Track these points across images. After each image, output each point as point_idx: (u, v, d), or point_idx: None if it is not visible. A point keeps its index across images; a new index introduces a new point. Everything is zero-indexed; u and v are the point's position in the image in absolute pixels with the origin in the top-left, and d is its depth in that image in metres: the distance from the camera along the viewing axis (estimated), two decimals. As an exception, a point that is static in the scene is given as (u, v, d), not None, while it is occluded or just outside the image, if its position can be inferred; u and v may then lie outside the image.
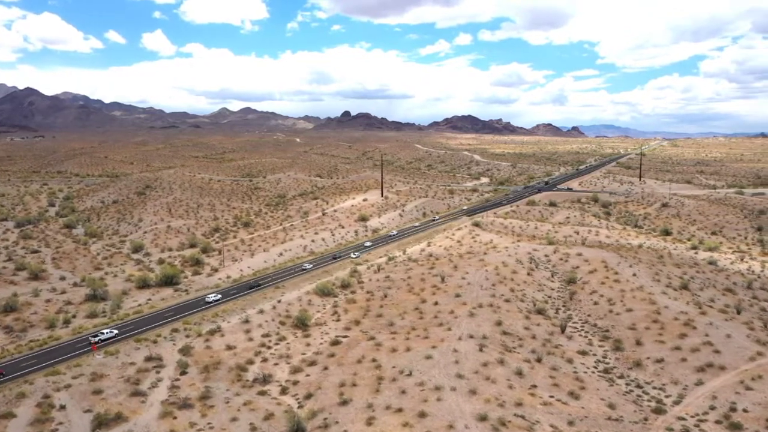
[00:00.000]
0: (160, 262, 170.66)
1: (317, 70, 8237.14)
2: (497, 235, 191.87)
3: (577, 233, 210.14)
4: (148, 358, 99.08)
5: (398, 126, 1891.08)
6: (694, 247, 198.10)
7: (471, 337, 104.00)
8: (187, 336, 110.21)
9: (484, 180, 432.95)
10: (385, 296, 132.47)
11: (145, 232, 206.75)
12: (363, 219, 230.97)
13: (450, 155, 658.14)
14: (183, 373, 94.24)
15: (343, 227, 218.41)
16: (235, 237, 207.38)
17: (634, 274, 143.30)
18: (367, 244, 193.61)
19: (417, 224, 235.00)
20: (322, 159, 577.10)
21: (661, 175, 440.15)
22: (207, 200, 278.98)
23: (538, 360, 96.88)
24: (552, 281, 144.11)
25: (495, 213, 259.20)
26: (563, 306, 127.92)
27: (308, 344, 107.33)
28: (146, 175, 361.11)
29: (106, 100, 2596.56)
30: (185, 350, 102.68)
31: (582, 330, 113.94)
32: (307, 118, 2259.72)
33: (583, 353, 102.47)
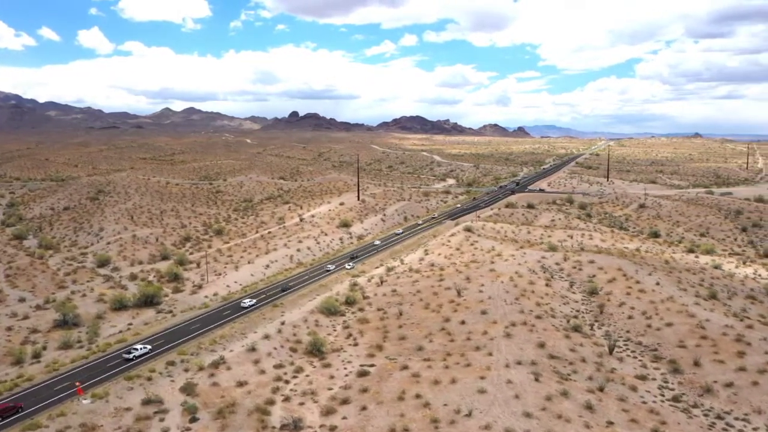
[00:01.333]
0: (133, 277, 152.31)
1: (262, 69, 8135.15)
2: (496, 242, 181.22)
3: (571, 237, 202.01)
4: (146, 402, 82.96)
5: (347, 126, 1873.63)
6: (690, 251, 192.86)
7: (519, 363, 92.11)
8: (186, 370, 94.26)
9: (451, 181, 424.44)
10: (401, 314, 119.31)
11: (109, 243, 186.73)
12: (345, 225, 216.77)
13: (409, 156, 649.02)
14: (193, 419, 78.74)
15: (326, 234, 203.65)
16: (210, 247, 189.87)
17: (657, 283, 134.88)
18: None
19: (400, 230, 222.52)
20: (279, 161, 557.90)
21: (625, 176, 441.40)
22: (170, 206, 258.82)
23: (601, 389, 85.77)
24: (572, 292, 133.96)
25: (478, 216, 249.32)
26: (595, 321, 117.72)
27: (331, 376, 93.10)
28: (97, 178, 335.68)
29: (41, 100, 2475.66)
30: (188, 389, 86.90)
31: (628, 349, 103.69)
32: (253, 119, 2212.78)
33: (642, 378, 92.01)
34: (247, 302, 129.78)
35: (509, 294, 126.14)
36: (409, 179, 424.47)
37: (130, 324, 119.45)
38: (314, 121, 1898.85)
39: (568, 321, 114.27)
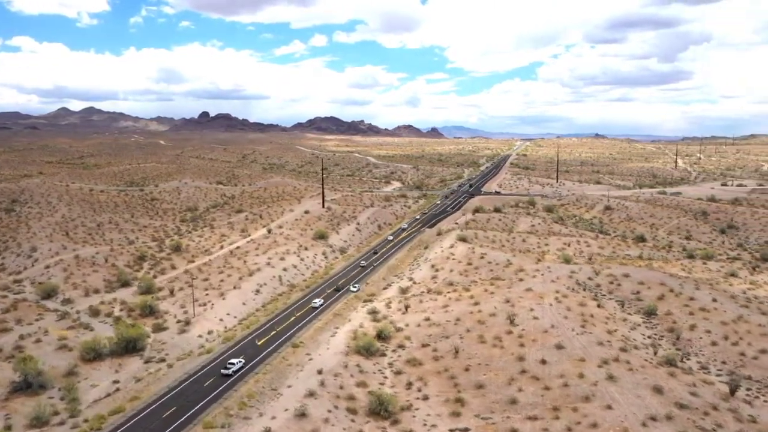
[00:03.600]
0: (95, 312, 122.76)
1: (166, 68, 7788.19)
2: (502, 252, 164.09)
3: (568, 245, 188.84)
4: None
5: (262, 128, 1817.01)
6: (690, 256, 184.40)
7: (653, 419, 74.36)
8: (226, 452, 69.75)
9: (397, 184, 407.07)
10: (457, 351, 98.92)
11: (48, 267, 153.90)
12: (321, 237, 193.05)
13: (341, 158, 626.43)
14: None
15: (306, 249, 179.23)
16: (173, 267, 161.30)
17: (714, 300, 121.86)
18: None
19: (390, 237, 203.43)
20: (205, 163, 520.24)
21: (568, 176, 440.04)
22: (105, 217, 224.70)
23: (766, 449, 69.51)
24: (629, 314, 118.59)
25: (456, 223, 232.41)
26: (677, 350, 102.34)
27: (423, 450, 71.61)
28: (6, 186, 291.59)
29: None
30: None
31: (742, 387, 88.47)
32: (160, 119, 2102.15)
33: (791, 427, 76.70)
34: (258, 343, 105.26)
35: (569, 320, 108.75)
36: (352, 182, 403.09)
37: (116, 382, 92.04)
38: (226, 121, 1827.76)
39: (655, 352, 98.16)
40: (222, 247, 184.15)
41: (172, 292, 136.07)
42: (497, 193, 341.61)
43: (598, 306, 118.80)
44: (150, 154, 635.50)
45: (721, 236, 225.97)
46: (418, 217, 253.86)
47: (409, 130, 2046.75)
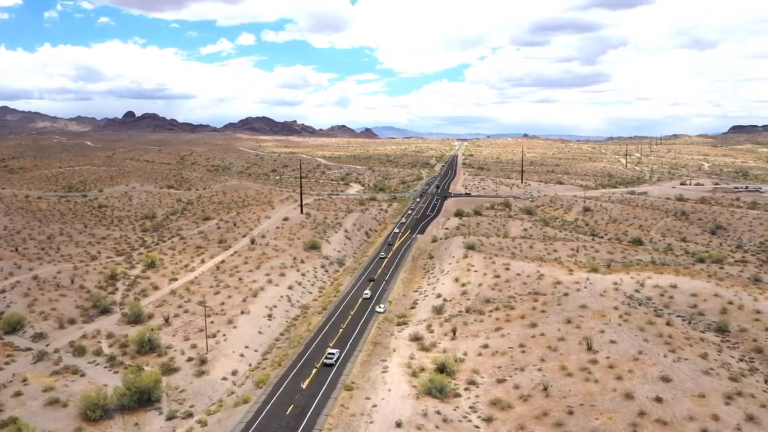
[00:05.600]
0: (79, 351, 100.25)
1: (84, 66, 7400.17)
2: (526, 262, 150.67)
3: (576, 251, 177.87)
4: None
5: (192, 128, 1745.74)
6: (701, 260, 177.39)
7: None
8: None
9: (357, 186, 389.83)
10: (545, 389, 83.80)
11: (4, 292, 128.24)
12: (314, 247, 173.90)
13: (288, 159, 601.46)
14: None
15: (302, 262, 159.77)
16: (156, 288, 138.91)
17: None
18: (366, 293, 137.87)
19: (373, 252, 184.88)
20: (146, 166, 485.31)
21: (528, 177, 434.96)
22: (55, 228, 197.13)
23: None
24: (699, 331, 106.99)
25: (446, 228, 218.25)
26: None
27: None
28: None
29: None
30: None
31: None
32: (80, 119, 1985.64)
33: None
34: (303, 384, 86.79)
35: (651, 343, 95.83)
36: (309, 185, 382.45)
37: (140, 451, 71.68)
38: (154, 121, 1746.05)
39: (766, 380, 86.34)
40: (203, 261, 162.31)
41: (167, 320, 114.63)
42: (467, 194, 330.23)
43: (668, 324, 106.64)
44: (78, 155, 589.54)
45: (711, 237, 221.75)
46: (403, 221, 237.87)
47: (344, 130, 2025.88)
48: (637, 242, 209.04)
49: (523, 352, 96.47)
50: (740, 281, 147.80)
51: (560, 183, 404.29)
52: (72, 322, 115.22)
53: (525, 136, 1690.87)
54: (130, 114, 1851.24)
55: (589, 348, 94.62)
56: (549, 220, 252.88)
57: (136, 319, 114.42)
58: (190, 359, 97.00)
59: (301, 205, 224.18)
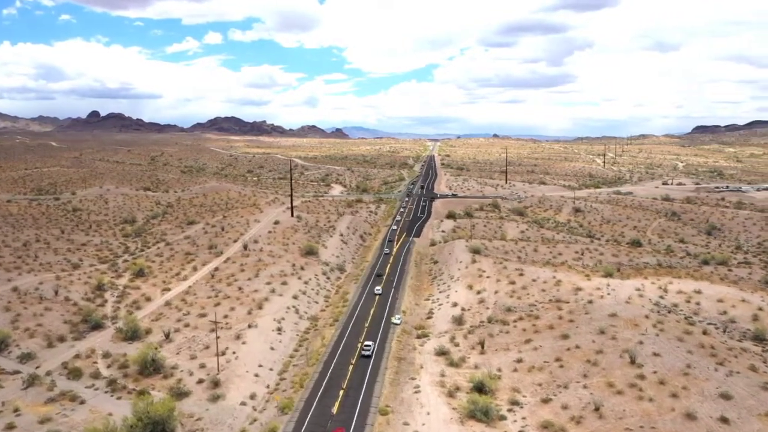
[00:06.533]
0: (75, 374, 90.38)
1: (45, 65, 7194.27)
2: (537, 267, 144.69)
3: (582, 254, 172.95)
4: None
5: (159, 128, 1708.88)
6: (705, 262, 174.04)
7: None
8: None
9: (339, 187, 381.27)
10: (597, 409, 77.41)
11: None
12: (311, 252, 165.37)
13: (263, 159, 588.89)
14: None
15: (302, 269, 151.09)
16: (148, 299, 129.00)
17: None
18: (378, 289, 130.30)
19: (372, 257, 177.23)
20: (117, 167, 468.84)
21: (510, 177, 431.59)
22: (30, 234, 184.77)
23: None
24: (738, 340, 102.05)
25: (443, 231, 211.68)
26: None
27: None
28: None
29: None
30: None
31: None
32: (42, 119, 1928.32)
33: None
34: (332, 410, 78.65)
35: (695, 355, 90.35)
36: (297, 187, 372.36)
37: (161, 492, 62.79)
38: (119, 121, 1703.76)
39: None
40: (195, 269, 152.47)
41: (167, 336, 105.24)
42: (454, 195, 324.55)
43: (704, 333, 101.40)
44: (44, 156, 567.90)
45: (708, 238, 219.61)
46: (395, 225, 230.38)
47: (314, 130, 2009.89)
48: (636, 244, 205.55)
49: (561, 366, 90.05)
50: (752, 284, 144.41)
51: (543, 183, 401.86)
52: (62, 339, 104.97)
53: (495, 136, 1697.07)
54: (94, 114, 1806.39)
55: (632, 362, 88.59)
56: (542, 222, 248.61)
57: (132, 335, 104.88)
58: (200, 381, 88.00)
59: (292, 208, 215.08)
